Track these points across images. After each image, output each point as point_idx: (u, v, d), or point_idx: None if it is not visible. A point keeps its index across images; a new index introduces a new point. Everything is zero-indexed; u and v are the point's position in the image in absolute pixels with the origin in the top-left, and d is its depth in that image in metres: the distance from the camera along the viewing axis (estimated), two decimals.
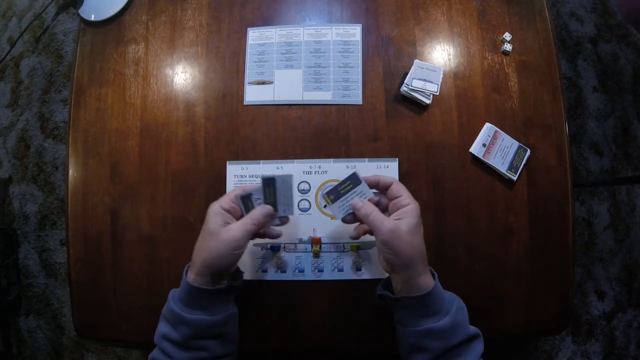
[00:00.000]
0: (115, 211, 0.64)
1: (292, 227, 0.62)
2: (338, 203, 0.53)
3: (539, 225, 0.63)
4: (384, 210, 0.52)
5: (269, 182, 0.52)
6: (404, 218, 0.49)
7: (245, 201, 0.52)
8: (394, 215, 0.50)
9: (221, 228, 0.49)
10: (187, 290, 0.49)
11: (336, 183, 0.53)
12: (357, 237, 0.55)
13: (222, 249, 0.48)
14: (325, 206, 0.62)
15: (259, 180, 0.53)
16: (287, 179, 0.52)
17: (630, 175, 1.31)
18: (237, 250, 0.49)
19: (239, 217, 0.52)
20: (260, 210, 0.51)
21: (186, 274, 0.50)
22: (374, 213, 0.49)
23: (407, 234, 0.48)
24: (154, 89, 0.66)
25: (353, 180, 0.52)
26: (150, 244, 0.63)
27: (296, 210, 0.62)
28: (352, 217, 0.53)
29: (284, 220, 0.55)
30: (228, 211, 0.51)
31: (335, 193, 0.53)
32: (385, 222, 0.48)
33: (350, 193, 0.53)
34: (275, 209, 0.53)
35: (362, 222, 0.53)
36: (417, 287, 0.48)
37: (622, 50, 1.36)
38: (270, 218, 0.53)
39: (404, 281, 0.49)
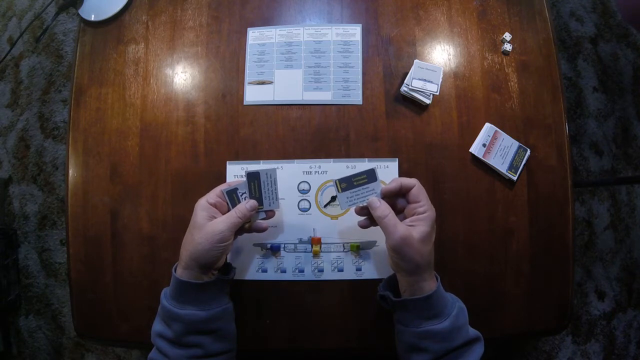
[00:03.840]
0: (115, 211, 0.64)
1: (292, 227, 0.62)
2: (347, 193, 0.52)
3: (539, 225, 0.63)
4: (399, 212, 0.52)
5: (253, 177, 0.53)
6: (418, 226, 0.48)
7: (232, 196, 0.53)
8: (407, 221, 0.50)
9: (207, 221, 0.49)
10: (176, 286, 0.50)
11: (351, 173, 0.52)
12: (366, 227, 0.55)
13: (207, 242, 0.48)
14: (331, 200, 0.62)
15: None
16: (271, 173, 0.53)
17: (630, 175, 1.31)
18: (222, 242, 0.49)
19: (225, 212, 0.52)
20: (245, 203, 0.52)
21: (175, 270, 0.51)
22: (389, 216, 0.49)
23: (417, 242, 0.47)
24: (154, 89, 0.66)
25: (369, 175, 0.52)
26: (150, 244, 0.63)
27: (296, 210, 0.62)
28: (366, 211, 0.53)
29: (270, 214, 0.56)
30: (214, 205, 0.51)
31: (348, 182, 0.52)
32: (398, 228, 0.48)
33: (362, 187, 0.52)
34: (261, 202, 0.54)
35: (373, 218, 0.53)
36: (420, 290, 0.48)
37: (622, 50, 1.36)
38: (255, 212, 0.53)
39: (408, 284, 0.49)
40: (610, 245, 1.27)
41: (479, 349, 0.49)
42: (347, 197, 0.52)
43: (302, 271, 0.61)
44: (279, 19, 0.67)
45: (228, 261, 0.59)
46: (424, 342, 0.48)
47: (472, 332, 0.50)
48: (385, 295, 0.52)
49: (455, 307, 0.49)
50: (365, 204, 0.52)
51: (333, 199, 0.62)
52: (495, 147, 0.63)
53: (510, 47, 0.66)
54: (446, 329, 0.47)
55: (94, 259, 0.63)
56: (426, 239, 0.48)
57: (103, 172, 0.64)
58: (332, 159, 0.63)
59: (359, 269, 0.61)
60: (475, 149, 0.63)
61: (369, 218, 0.54)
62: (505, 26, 0.67)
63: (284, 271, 0.62)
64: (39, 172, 1.33)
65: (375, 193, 0.52)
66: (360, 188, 0.52)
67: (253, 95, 0.65)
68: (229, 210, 0.53)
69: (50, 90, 1.36)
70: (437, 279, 0.50)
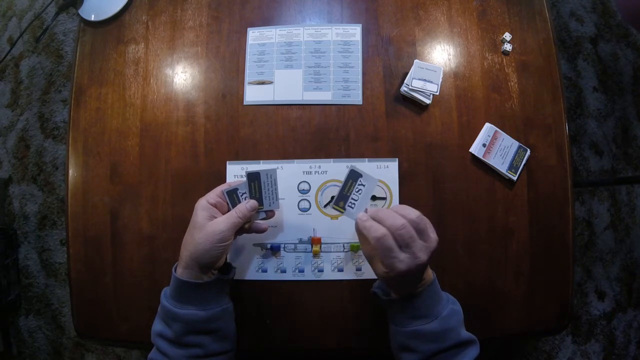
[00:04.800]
0: (115, 211, 0.64)
1: (292, 227, 0.62)
2: (349, 206, 0.52)
3: (539, 225, 0.62)
4: (422, 231, 0.46)
5: (253, 177, 0.53)
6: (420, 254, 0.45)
7: (232, 196, 0.53)
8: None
9: (207, 221, 0.49)
10: (176, 286, 0.50)
11: (339, 188, 0.52)
12: None
13: (207, 242, 0.48)
14: (331, 199, 0.62)
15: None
16: (272, 173, 0.53)
17: (630, 175, 1.31)
18: (222, 242, 0.49)
19: (225, 212, 0.52)
20: (245, 203, 0.52)
21: (175, 270, 0.51)
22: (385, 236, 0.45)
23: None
24: (154, 89, 0.66)
25: (352, 176, 0.52)
26: (150, 244, 0.63)
27: (296, 210, 0.62)
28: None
29: (270, 215, 0.56)
30: (214, 206, 0.52)
31: (342, 198, 0.52)
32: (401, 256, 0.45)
33: (355, 190, 0.52)
34: (261, 202, 0.54)
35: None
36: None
37: (622, 50, 1.36)
38: (255, 212, 0.54)
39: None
40: (610, 245, 1.27)
41: (472, 352, 0.48)
42: (352, 209, 0.52)
43: (302, 271, 0.61)
44: (279, 19, 0.67)
45: (228, 261, 0.59)
46: (413, 341, 0.48)
47: (465, 334, 0.49)
48: (377, 292, 0.52)
49: (447, 308, 0.49)
50: (368, 206, 0.53)
51: (333, 199, 0.62)
52: (495, 147, 0.63)
53: (510, 47, 0.66)
54: (435, 330, 0.47)
55: (94, 259, 0.63)
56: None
57: (103, 172, 0.64)
58: (332, 159, 0.63)
59: (359, 269, 0.61)
60: (475, 149, 0.63)
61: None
62: (505, 26, 0.67)
63: (284, 271, 0.61)
64: (39, 172, 1.33)
65: (366, 186, 0.52)
66: (354, 193, 0.52)
67: (253, 95, 0.65)
68: (229, 210, 0.53)
69: (50, 90, 1.36)
70: (432, 276, 0.50)
